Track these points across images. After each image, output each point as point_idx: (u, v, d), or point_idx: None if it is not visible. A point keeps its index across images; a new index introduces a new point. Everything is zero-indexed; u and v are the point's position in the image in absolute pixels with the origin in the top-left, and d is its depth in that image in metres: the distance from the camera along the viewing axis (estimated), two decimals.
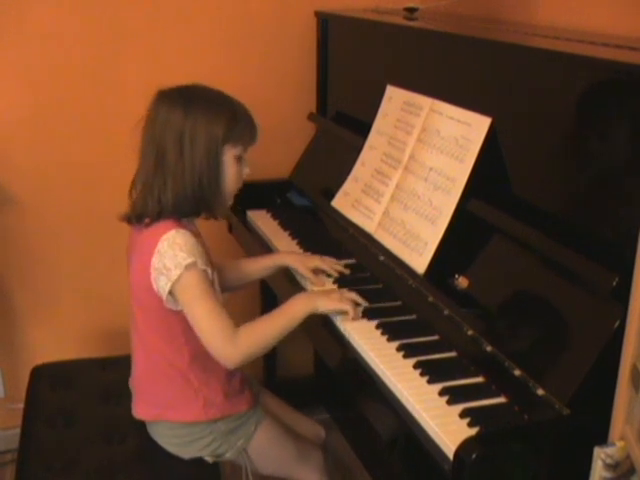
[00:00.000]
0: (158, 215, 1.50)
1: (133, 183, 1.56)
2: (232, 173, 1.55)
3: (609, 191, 1.33)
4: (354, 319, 1.58)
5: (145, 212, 1.51)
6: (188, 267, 1.45)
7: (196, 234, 1.55)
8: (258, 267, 1.84)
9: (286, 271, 1.84)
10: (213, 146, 1.50)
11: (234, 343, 1.48)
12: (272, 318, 1.55)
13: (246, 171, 1.59)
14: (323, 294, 1.62)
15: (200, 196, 1.51)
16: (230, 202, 1.62)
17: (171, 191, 1.49)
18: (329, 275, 1.80)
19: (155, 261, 1.47)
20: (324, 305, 1.56)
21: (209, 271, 1.50)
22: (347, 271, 1.82)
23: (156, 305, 1.51)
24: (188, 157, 1.48)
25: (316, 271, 1.79)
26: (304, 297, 1.59)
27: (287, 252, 1.92)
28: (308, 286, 1.77)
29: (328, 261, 1.83)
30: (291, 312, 1.54)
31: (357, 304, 1.61)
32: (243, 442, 1.64)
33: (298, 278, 1.81)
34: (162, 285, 1.47)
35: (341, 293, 1.62)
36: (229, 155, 1.53)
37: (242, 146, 1.55)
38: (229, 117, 1.51)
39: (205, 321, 1.48)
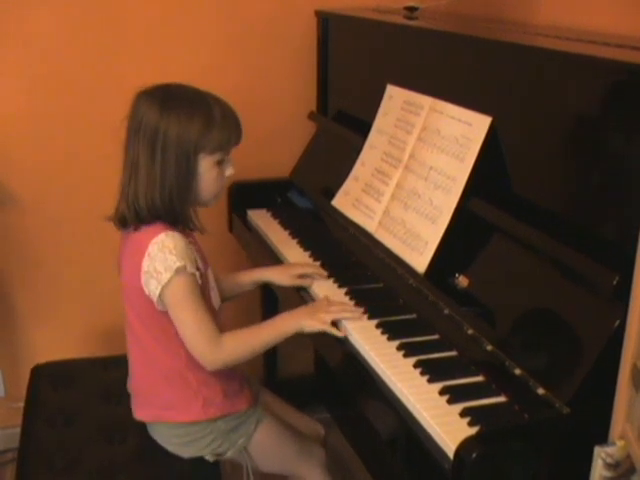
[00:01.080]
0: (141, 221, 1.49)
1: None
2: (210, 179, 1.52)
3: (609, 190, 1.33)
4: (342, 333, 1.56)
5: (126, 218, 1.51)
6: (178, 271, 1.45)
7: (187, 234, 1.55)
8: (238, 283, 1.83)
9: None
10: (183, 157, 1.46)
11: (216, 347, 1.50)
12: (259, 330, 1.58)
13: (229, 172, 1.56)
14: (310, 313, 1.60)
15: (170, 208, 1.49)
16: (214, 203, 1.59)
17: (143, 201, 1.47)
18: (329, 271, 1.81)
19: (145, 264, 1.47)
20: (310, 326, 1.57)
21: (197, 275, 1.50)
22: (325, 274, 1.81)
23: (149, 307, 1.51)
24: (159, 168, 1.46)
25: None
26: (292, 315, 1.60)
27: (268, 267, 1.88)
28: (314, 290, 1.77)
29: (309, 266, 1.85)
30: (277, 329, 1.57)
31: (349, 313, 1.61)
32: (244, 441, 1.64)
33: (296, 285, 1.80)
34: (152, 289, 1.47)
35: (328, 309, 1.61)
36: (206, 163, 1.50)
37: (220, 152, 1.51)
38: (202, 125, 1.46)
39: (189, 324, 1.49)
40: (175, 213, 1.50)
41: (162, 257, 1.45)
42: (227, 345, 1.51)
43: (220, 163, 1.53)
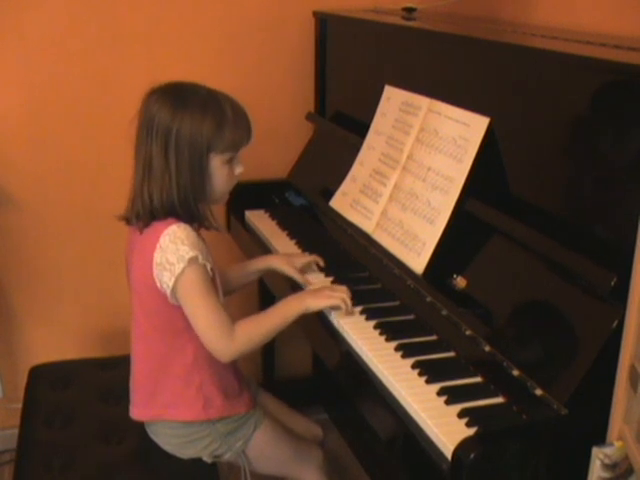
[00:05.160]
0: (154, 218, 1.50)
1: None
2: (221, 177, 1.53)
3: (607, 191, 1.33)
4: (347, 313, 1.59)
5: (139, 215, 1.51)
6: (191, 261, 1.45)
7: (196, 229, 1.55)
8: (245, 272, 1.84)
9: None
10: (196, 156, 1.48)
11: (230, 339, 1.50)
12: (267, 317, 1.58)
13: (239, 170, 1.57)
14: (313, 293, 1.63)
15: (186, 206, 1.50)
16: (223, 201, 1.62)
17: (158, 200, 1.48)
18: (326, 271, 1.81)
19: (157, 257, 1.47)
20: (314, 304, 1.58)
21: (209, 266, 1.50)
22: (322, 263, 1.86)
23: (159, 303, 1.51)
24: (173, 166, 1.47)
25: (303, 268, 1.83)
26: (296, 298, 1.61)
27: (271, 255, 1.90)
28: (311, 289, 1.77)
29: (311, 257, 1.86)
30: (284, 312, 1.58)
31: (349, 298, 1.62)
32: (242, 444, 1.64)
33: (295, 278, 1.81)
34: (166, 280, 1.46)
35: (331, 289, 1.64)
36: (216, 162, 1.51)
37: (231, 151, 1.52)
38: (215, 124, 1.47)
39: (204, 316, 1.49)
40: (191, 211, 1.51)
41: (174, 248, 1.45)
42: (240, 335, 1.51)
43: (230, 161, 1.54)
